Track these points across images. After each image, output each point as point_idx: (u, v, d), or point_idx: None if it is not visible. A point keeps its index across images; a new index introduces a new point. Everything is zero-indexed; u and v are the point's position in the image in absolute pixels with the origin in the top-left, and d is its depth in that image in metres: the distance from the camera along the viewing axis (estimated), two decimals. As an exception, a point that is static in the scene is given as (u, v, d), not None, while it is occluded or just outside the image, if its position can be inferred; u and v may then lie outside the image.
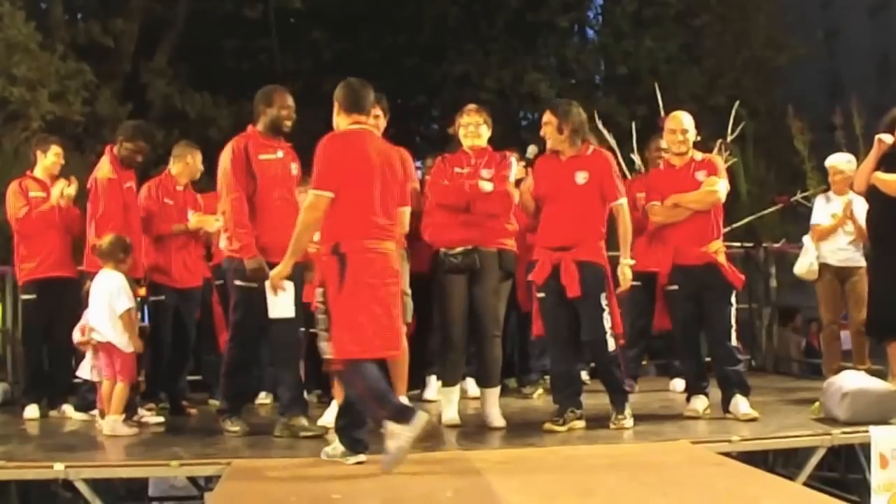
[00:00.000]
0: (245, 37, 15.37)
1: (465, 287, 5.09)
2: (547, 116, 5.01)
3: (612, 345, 4.86)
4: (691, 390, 5.38)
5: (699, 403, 5.30)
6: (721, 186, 5.25)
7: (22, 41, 11.24)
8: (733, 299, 5.26)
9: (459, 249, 5.04)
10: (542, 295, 4.98)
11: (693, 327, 5.32)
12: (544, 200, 5.02)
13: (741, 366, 5.33)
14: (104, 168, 5.58)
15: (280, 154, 4.99)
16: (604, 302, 4.86)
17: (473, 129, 5.17)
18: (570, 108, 4.98)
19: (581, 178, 4.91)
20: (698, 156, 5.36)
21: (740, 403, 5.14)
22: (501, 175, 5.10)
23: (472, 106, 5.32)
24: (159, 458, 4.49)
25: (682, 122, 5.31)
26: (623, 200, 4.97)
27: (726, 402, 5.20)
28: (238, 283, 4.89)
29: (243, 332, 4.95)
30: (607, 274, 4.93)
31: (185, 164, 6.03)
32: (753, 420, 5.03)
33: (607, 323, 4.85)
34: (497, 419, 5.08)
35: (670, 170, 5.37)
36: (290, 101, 5.03)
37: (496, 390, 5.16)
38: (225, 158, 4.92)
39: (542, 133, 5.03)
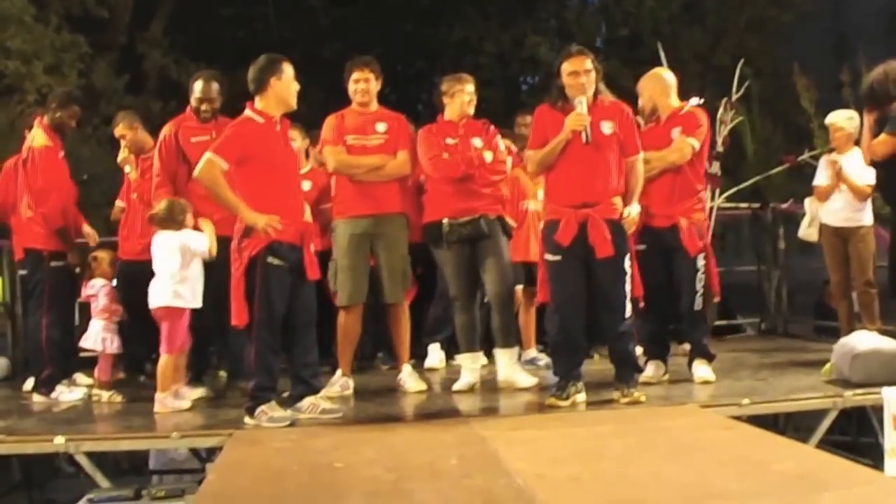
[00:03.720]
0: (241, 5, 15.17)
1: (470, 254, 5.07)
2: (587, 63, 4.63)
3: (629, 310, 4.65)
4: (648, 355, 5.24)
5: (653, 369, 5.17)
6: (687, 144, 5.00)
7: (16, 14, 11.10)
8: (700, 263, 5.00)
9: (465, 219, 5.02)
10: (557, 258, 4.62)
11: (659, 289, 5.07)
12: (561, 155, 4.61)
13: (704, 328, 5.23)
14: (39, 137, 5.37)
15: (214, 136, 4.88)
16: (626, 264, 4.61)
17: (470, 97, 5.14)
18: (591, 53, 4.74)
19: (607, 128, 4.61)
20: (684, 110, 5.13)
21: (698, 368, 5.11)
22: (494, 143, 5.14)
23: (467, 76, 5.26)
24: (160, 430, 4.49)
25: (642, 90, 5.20)
26: (642, 155, 4.73)
27: (689, 364, 5.18)
28: None
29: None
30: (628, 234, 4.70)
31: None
32: (706, 383, 4.99)
33: (627, 286, 4.61)
34: (524, 379, 5.12)
35: (653, 126, 5.16)
36: (202, 89, 5.26)
37: (516, 350, 5.22)
38: (159, 145, 5.32)
39: (571, 82, 4.60)
